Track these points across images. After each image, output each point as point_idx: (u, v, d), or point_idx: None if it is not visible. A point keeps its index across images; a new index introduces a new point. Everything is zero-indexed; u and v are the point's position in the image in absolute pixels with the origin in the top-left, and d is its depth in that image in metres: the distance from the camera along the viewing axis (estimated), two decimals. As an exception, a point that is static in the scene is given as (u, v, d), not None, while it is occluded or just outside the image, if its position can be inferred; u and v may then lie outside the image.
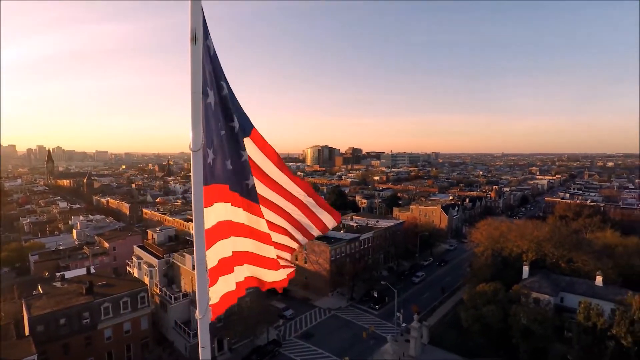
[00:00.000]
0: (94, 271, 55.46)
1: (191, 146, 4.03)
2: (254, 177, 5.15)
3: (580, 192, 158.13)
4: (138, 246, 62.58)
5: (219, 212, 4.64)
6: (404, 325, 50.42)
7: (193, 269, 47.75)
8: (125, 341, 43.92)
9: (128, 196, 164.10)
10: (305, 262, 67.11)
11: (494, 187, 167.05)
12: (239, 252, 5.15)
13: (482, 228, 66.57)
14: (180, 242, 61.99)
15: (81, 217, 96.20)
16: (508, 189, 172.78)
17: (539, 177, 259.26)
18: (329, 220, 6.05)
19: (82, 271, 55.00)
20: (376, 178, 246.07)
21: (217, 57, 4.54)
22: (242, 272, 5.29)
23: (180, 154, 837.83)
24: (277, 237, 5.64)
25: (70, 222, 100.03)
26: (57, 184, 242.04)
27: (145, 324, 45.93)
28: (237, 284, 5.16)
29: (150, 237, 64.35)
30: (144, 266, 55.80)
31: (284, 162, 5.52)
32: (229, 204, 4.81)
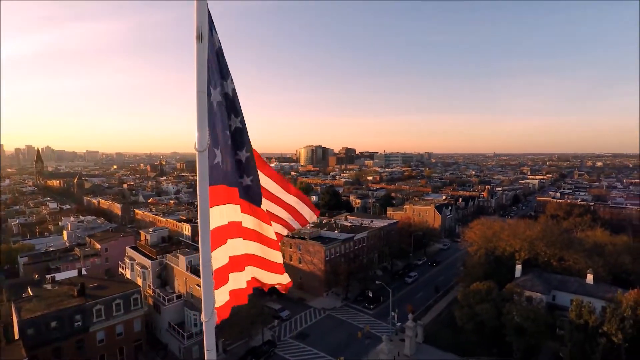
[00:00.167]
0: (85, 273, 54.75)
1: (197, 146, 3.95)
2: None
3: (571, 191, 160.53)
4: (131, 247, 61.81)
5: (223, 213, 4.57)
6: (398, 324, 50.61)
7: (187, 270, 47.47)
8: (118, 344, 43.35)
9: (120, 197, 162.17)
10: (300, 262, 67.00)
11: (487, 186, 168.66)
12: (243, 254, 5.08)
13: (475, 227, 67.12)
14: (173, 243, 61.37)
15: (72, 218, 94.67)
16: (500, 189, 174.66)
17: (530, 176, 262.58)
18: (310, 215, 6.10)
19: (73, 273, 54.24)
20: (370, 178, 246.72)
21: (224, 55, 4.46)
22: (247, 275, 5.23)
23: (172, 154, 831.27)
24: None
25: (60, 223, 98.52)
26: (46, 184, 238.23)
27: (139, 326, 45.39)
28: (242, 288, 5.09)
29: (143, 238, 63.59)
30: (137, 267, 55.15)
31: (264, 160, 5.55)
32: (233, 204, 4.75)
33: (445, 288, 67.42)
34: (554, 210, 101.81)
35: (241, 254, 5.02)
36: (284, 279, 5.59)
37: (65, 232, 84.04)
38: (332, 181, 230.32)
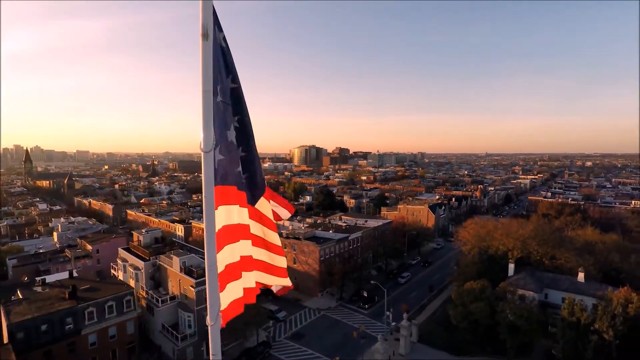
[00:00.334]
0: (76, 275, 53.91)
1: (202, 147, 3.89)
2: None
3: (561, 191, 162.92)
4: (123, 248, 61.02)
5: (228, 214, 4.50)
6: (393, 324, 50.80)
7: (181, 271, 47.04)
8: (111, 346, 42.75)
9: (111, 197, 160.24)
10: (295, 263, 66.84)
11: (479, 186, 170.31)
12: (248, 256, 5.01)
13: (469, 227, 67.71)
14: (167, 244, 60.75)
15: (62, 219, 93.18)
16: (492, 188, 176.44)
17: (522, 176, 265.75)
18: (285, 214, 5.99)
19: (64, 275, 53.34)
20: (364, 178, 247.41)
21: (230, 53, 4.39)
22: (252, 277, 5.16)
23: (165, 154, 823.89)
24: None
25: (50, 224, 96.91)
26: (35, 185, 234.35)
27: (132, 328, 44.83)
28: (247, 290, 5.02)
29: (135, 239, 62.82)
30: (130, 269, 54.48)
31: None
32: (238, 206, 4.69)
33: (439, 287, 67.86)
34: (546, 209, 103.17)
35: (246, 255, 4.95)
36: (286, 282, 5.60)
37: (55, 234, 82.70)
38: (326, 181, 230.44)
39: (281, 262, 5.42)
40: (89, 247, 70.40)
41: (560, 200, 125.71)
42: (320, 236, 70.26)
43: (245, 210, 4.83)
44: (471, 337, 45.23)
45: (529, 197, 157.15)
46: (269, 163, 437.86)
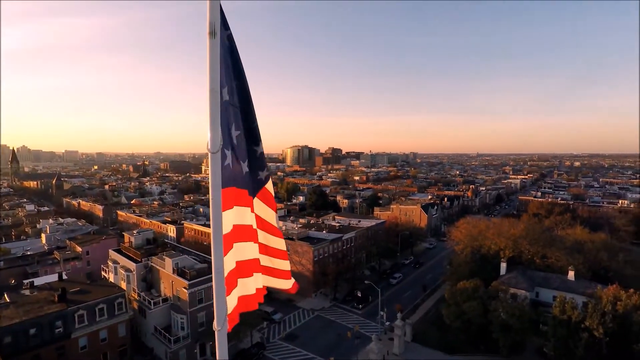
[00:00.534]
0: (66, 277, 52.89)
1: (209, 147, 3.80)
2: None
3: (551, 190, 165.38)
4: (114, 250, 60.13)
5: (234, 217, 4.43)
6: (387, 323, 50.95)
7: (173, 272, 46.51)
8: (102, 350, 42.03)
9: (101, 198, 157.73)
10: (288, 263, 66.56)
11: (471, 186, 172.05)
12: (254, 259, 4.95)
13: (461, 227, 68.28)
14: (159, 245, 60.03)
15: (50, 221, 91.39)
16: (484, 188, 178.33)
17: (512, 176, 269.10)
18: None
19: (53, 278, 52.35)
20: (356, 178, 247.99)
21: (237, 52, 4.31)
22: (260, 279, 5.10)
23: (156, 154, 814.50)
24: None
25: (38, 225, 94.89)
26: (22, 185, 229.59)
27: (123, 331, 44.14)
28: (253, 293, 4.96)
29: (126, 240, 61.91)
30: (121, 271, 53.70)
31: None
32: (244, 207, 4.62)
33: (433, 287, 68.31)
34: (536, 209, 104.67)
35: (252, 258, 4.89)
36: (290, 284, 5.61)
37: (43, 235, 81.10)
38: (318, 181, 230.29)
39: (285, 265, 5.45)
40: (79, 248, 69.21)
41: (550, 200, 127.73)
42: (314, 236, 70.19)
43: (249, 211, 4.76)
44: (464, 336, 45.61)
45: (520, 197, 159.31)
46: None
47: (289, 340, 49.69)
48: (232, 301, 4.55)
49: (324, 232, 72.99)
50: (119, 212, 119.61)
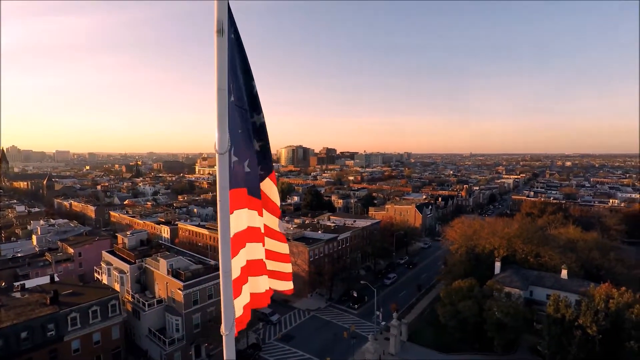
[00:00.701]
0: (58, 279, 52.12)
1: (217, 148, 3.72)
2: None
3: (543, 190, 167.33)
4: (107, 251, 59.35)
5: (241, 218, 4.36)
6: (383, 323, 51.05)
7: (168, 274, 46.08)
8: (95, 352, 41.45)
9: (93, 198, 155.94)
10: (284, 264, 66.37)
11: (465, 186, 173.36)
12: (260, 260, 4.90)
13: (456, 226, 68.70)
14: (153, 246, 59.41)
15: (41, 222, 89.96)
16: (477, 188, 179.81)
17: (505, 176, 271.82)
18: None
19: (44, 280, 51.51)
20: (351, 178, 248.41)
21: (244, 50, 4.23)
22: (265, 281, 5.05)
23: (149, 154, 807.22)
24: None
25: (29, 227, 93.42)
26: (12, 186, 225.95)
27: (117, 334, 43.58)
28: (261, 293, 4.92)
29: (120, 241, 61.13)
30: (114, 272, 53.07)
31: None
32: (248, 209, 4.56)
33: (428, 286, 68.61)
34: (529, 208, 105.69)
35: (258, 259, 4.84)
36: (290, 285, 5.69)
37: (34, 237, 79.85)
38: (313, 181, 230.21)
39: (287, 267, 5.56)
40: (71, 250, 68.26)
41: (542, 199, 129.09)
42: (309, 237, 70.09)
43: (255, 213, 4.71)
44: (459, 335, 45.85)
45: (513, 197, 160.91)
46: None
47: (284, 341, 49.53)
48: (241, 303, 4.49)
49: (320, 232, 72.93)
50: (112, 213, 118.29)
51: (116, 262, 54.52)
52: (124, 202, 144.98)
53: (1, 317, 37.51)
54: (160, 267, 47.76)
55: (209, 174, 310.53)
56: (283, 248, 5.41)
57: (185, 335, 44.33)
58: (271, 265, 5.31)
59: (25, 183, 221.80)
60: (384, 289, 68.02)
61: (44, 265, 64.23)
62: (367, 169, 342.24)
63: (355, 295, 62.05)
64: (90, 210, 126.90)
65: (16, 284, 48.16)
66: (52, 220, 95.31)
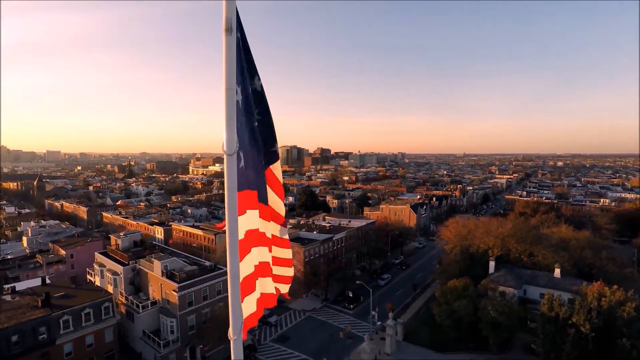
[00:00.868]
0: (49, 282, 51.39)
1: (225, 149, 3.64)
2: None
3: (536, 190, 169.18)
4: (100, 253, 58.64)
5: (248, 220, 4.29)
6: (379, 323, 51.14)
7: (162, 275, 45.65)
8: (88, 355, 40.87)
9: (85, 199, 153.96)
10: (279, 264, 66.18)
11: (458, 186, 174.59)
12: (266, 262, 4.84)
13: (451, 226, 69.11)
14: (147, 248, 58.79)
15: (32, 223, 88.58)
16: (471, 188, 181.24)
17: (498, 176, 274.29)
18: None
19: (35, 282, 50.68)
20: (345, 178, 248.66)
21: (249, 49, 4.17)
22: (271, 283, 5.00)
23: (141, 154, 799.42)
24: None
25: (19, 228, 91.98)
26: (2, 187, 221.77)
27: (110, 336, 43.04)
28: (267, 295, 4.87)
29: (113, 242, 60.41)
30: (107, 274, 52.42)
31: None
32: (257, 211, 4.49)
33: (423, 286, 68.90)
34: (522, 208, 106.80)
35: (264, 261, 4.79)
36: (287, 287, 5.68)
37: (25, 238, 78.61)
38: (308, 181, 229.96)
39: (289, 272, 5.54)
40: (63, 252, 67.32)
41: (535, 199, 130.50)
42: (305, 237, 69.98)
43: (257, 212, 4.62)
44: (455, 334, 46.12)
45: (506, 196, 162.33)
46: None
47: (280, 341, 49.38)
48: (248, 306, 4.44)
49: (315, 232, 72.85)
50: (104, 214, 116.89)
51: (109, 263, 53.89)
52: (117, 203, 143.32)
53: (-9, 321, 36.82)
54: (154, 269, 47.31)
55: (202, 174, 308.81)
56: (287, 254, 5.40)
57: (180, 337, 43.95)
58: (277, 270, 5.28)
59: (15, 184, 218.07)
60: (379, 289, 68.12)
61: (35, 267, 63.26)
62: (361, 169, 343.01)
63: (351, 295, 62.12)
64: (82, 211, 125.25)
65: (6, 286, 47.44)
66: (43, 221, 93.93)
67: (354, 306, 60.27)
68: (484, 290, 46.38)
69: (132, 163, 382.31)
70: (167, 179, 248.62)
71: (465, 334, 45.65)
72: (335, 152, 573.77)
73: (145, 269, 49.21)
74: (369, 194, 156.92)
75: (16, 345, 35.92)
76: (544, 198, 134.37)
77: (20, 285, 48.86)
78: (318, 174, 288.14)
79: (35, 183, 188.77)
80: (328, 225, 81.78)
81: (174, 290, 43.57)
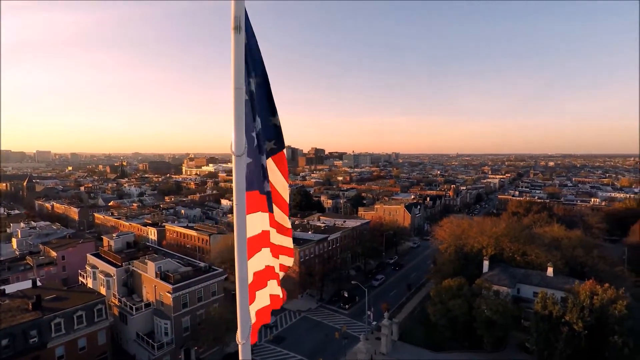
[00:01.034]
0: (40, 284, 50.47)
1: (233, 150, 3.57)
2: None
3: (528, 189, 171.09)
4: (92, 254, 57.85)
5: (255, 221, 4.23)
6: (374, 323, 51.22)
7: (156, 276, 45.19)
8: (81, 358, 40.24)
9: (76, 200, 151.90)
10: (274, 265, 65.97)
11: (452, 186, 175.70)
12: (271, 266, 4.77)
13: (445, 226, 69.52)
14: (140, 249, 58.10)
15: (22, 224, 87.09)
16: (464, 188, 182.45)
17: (491, 176, 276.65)
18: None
19: (26, 284, 49.78)
20: (340, 178, 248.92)
21: (258, 47, 4.11)
22: (275, 285, 4.94)
23: (134, 155, 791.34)
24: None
25: (8, 229, 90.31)
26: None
27: (103, 338, 42.48)
28: (272, 297, 4.81)
29: (106, 243, 59.61)
30: (100, 276, 51.73)
31: None
32: (261, 212, 4.43)
33: (417, 285, 69.20)
34: (515, 207, 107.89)
35: (270, 265, 4.72)
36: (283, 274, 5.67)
37: (14, 240, 77.30)
38: (302, 182, 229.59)
39: (290, 261, 5.52)
40: (54, 253, 66.31)
41: (527, 198, 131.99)
42: (299, 237, 69.75)
43: (266, 216, 4.58)
44: (450, 333, 46.41)
45: (499, 196, 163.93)
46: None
47: (275, 342, 49.17)
48: (256, 309, 4.37)
49: (310, 232, 72.76)
50: (96, 215, 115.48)
51: (102, 265, 53.19)
52: (109, 204, 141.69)
53: (-20, 324, 36.08)
54: (148, 270, 46.81)
55: (196, 174, 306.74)
56: (289, 242, 5.39)
57: (175, 339, 43.55)
58: (283, 259, 5.28)
59: (4, 184, 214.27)
60: (373, 290, 68.18)
61: (25, 269, 62.21)
62: (355, 169, 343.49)
63: (346, 295, 62.14)
64: (74, 212, 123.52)
65: (-4, 289, 46.41)
66: (33, 222, 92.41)
67: (349, 306, 60.31)
68: (478, 290, 46.73)
69: (124, 163, 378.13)
70: (160, 179, 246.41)
71: (460, 333, 45.94)
72: (329, 152, 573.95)
73: (138, 271, 48.67)
74: (363, 194, 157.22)
75: (6, 349, 35.24)
76: (536, 198, 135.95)
77: (10, 288, 47.90)
78: (312, 174, 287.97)
79: (25, 184, 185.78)
80: (323, 225, 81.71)
81: (168, 292, 43.16)
